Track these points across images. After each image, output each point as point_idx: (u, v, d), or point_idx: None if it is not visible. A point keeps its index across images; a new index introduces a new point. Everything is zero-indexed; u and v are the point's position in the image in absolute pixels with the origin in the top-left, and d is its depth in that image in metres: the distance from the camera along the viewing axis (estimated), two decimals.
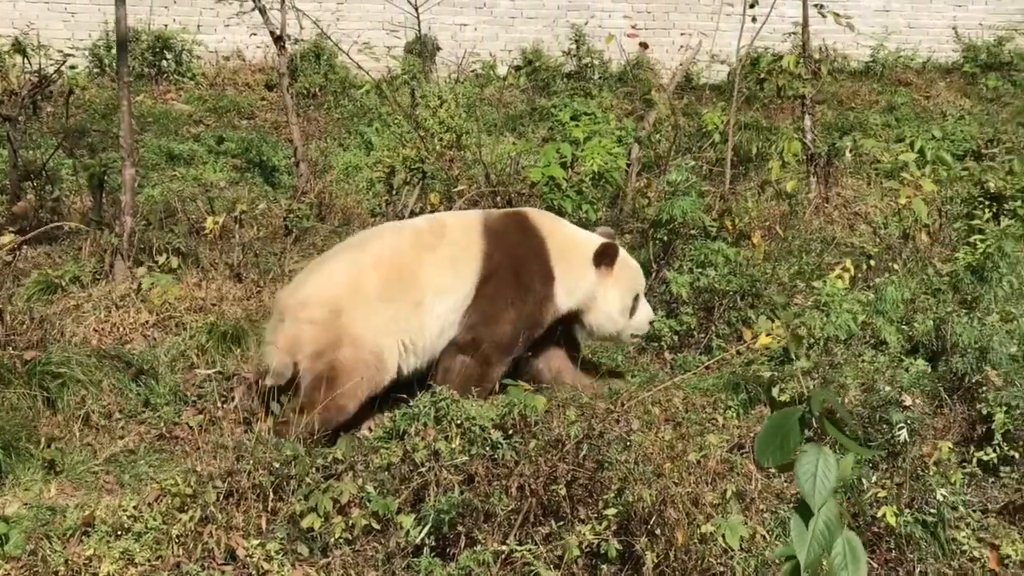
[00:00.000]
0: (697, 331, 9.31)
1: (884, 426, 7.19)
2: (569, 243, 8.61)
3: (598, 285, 8.53)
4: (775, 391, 7.56)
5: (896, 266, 10.12)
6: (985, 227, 10.12)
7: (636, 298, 8.74)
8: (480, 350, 8.24)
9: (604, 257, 8.52)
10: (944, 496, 6.60)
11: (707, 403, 8.03)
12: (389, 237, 8.44)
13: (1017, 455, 7.27)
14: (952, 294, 9.50)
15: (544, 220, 8.74)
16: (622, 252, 8.77)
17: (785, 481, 6.73)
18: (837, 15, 11.89)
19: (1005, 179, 10.89)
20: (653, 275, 9.60)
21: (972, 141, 14.57)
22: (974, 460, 7.30)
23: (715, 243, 9.73)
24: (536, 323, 8.41)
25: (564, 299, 8.47)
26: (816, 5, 12.09)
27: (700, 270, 9.49)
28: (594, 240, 8.68)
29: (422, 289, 8.11)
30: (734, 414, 7.86)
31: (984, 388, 7.70)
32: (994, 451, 7.27)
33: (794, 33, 15.12)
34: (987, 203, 10.68)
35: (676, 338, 9.24)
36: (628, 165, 11.92)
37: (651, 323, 8.97)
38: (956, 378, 8.01)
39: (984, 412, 7.49)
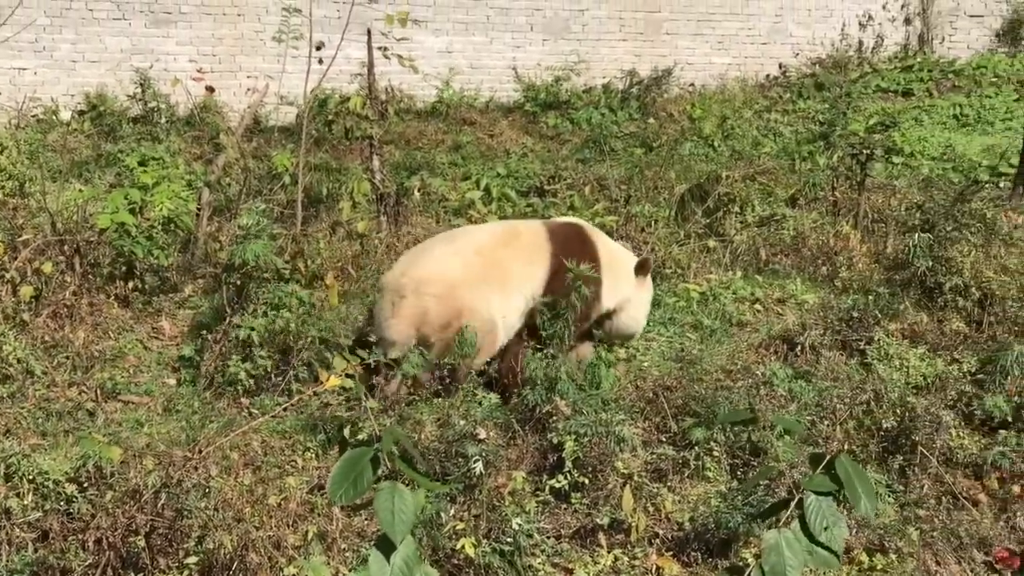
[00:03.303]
0: (274, 374, 9.23)
1: (460, 459, 7.35)
2: (615, 253, 9.86)
3: (634, 292, 9.83)
4: (346, 431, 7.62)
5: None
6: None
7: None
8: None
9: (643, 268, 9.91)
10: (520, 525, 6.79)
11: (286, 445, 8.03)
12: (476, 233, 9.79)
13: (587, 481, 7.53)
14: None
15: (595, 233, 9.95)
16: None
17: (366, 519, 6.80)
18: (401, 57, 12.03)
19: (567, 213, 11.27)
20: (227, 320, 9.46)
21: (535, 177, 14.97)
22: (547, 488, 7.52)
23: (288, 285, 9.71)
24: (585, 318, 9.47)
25: (607, 300, 9.61)
26: (380, 48, 12.24)
27: (275, 313, 9.45)
28: (630, 253, 10.12)
29: (509, 279, 9.20)
30: (313, 455, 7.88)
31: (554, 418, 7.96)
32: (565, 478, 7.51)
33: (361, 74, 15.28)
34: None
35: (253, 382, 9.13)
36: (198, 210, 11.81)
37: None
38: (528, 409, 8.24)
39: (555, 441, 7.73)
